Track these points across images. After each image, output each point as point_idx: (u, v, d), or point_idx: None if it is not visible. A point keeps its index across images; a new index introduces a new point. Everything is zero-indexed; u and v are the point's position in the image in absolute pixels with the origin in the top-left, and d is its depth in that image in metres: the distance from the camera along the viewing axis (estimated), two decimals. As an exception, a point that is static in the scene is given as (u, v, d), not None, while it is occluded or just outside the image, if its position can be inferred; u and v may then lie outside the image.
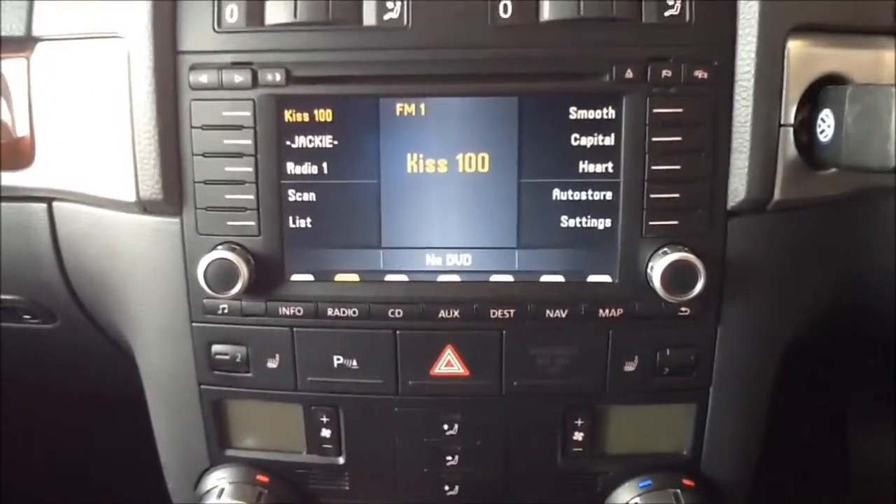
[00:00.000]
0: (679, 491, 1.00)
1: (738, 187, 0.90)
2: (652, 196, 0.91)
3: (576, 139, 0.91)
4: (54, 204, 1.03)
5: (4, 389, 1.38)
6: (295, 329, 0.97)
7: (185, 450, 1.07)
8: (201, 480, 1.08)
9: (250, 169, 0.92)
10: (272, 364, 0.99)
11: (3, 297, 1.12)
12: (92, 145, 0.96)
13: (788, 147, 0.89)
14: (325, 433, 1.03)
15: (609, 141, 0.90)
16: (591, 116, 0.90)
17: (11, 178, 1.01)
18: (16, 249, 1.06)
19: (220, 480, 1.06)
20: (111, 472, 1.64)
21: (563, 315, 0.94)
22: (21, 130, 1.00)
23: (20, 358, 1.29)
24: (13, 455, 1.54)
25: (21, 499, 1.59)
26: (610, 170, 0.91)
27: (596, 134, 0.90)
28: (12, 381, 1.34)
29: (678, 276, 0.89)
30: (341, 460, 1.04)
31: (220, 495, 1.03)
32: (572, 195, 0.92)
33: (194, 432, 1.05)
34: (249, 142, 0.92)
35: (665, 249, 0.91)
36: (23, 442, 1.57)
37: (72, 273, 1.07)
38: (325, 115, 0.92)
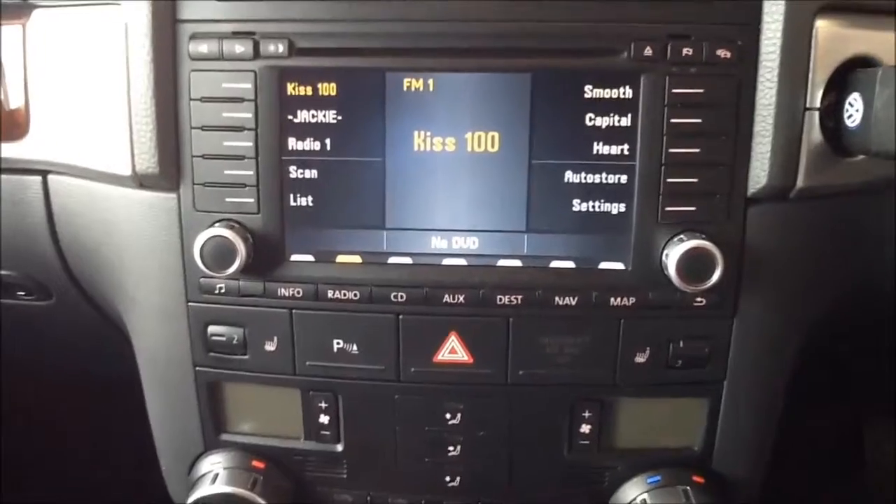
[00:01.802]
0: (689, 488, 0.97)
1: (759, 173, 0.87)
2: (669, 180, 0.87)
3: (590, 119, 0.87)
4: (49, 177, 1.01)
5: (1, 368, 1.36)
6: (294, 311, 0.95)
7: (179, 433, 1.05)
8: (195, 464, 1.06)
9: (250, 144, 0.90)
10: (270, 347, 0.96)
11: None
12: (88, 116, 0.94)
13: (814, 132, 0.86)
14: (324, 419, 1.00)
15: (625, 122, 0.87)
16: (607, 95, 0.87)
17: (5, 150, 1.00)
18: (10, 223, 1.04)
19: (214, 465, 1.03)
20: (108, 451, 1.63)
21: (573, 303, 0.91)
22: (15, 100, 0.98)
23: (16, 335, 1.28)
24: (9, 431, 1.53)
25: (17, 473, 1.58)
26: (626, 152, 0.88)
27: (612, 114, 0.87)
28: (8, 358, 1.32)
29: (694, 265, 0.86)
30: (339, 448, 1.02)
31: (214, 481, 1.01)
32: (585, 178, 0.89)
33: (189, 415, 1.03)
34: (250, 115, 0.89)
35: (681, 236, 0.88)
36: (18, 418, 1.55)
37: (66, 248, 1.05)
38: (329, 88, 0.89)
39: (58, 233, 1.03)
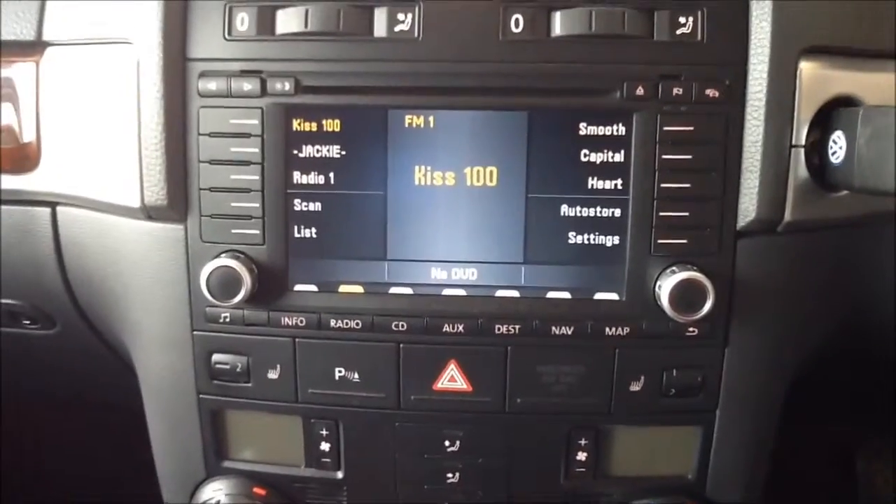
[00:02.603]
0: (683, 515, 0.98)
1: (748, 207, 0.89)
2: (661, 214, 0.90)
3: (585, 155, 0.90)
4: (58, 208, 1.02)
5: (3, 394, 1.36)
6: (297, 340, 0.96)
7: (181, 459, 1.06)
8: (197, 491, 1.06)
9: (256, 177, 0.92)
10: (273, 375, 0.97)
11: (3, 301, 1.11)
12: (98, 150, 0.96)
13: (800, 168, 0.88)
14: (325, 447, 1.01)
15: (619, 157, 0.90)
16: (600, 133, 0.89)
17: (16, 182, 1.01)
18: (18, 253, 1.05)
19: (216, 492, 1.04)
20: (109, 478, 1.62)
21: (569, 332, 0.93)
22: (27, 134, 0.99)
23: (19, 363, 1.27)
24: (11, 459, 1.52)
25: (18, 499, 1.57)
26: (619, 186, 0.90)
27: (605, 150, 0.90)
28: (11, 386, 1.32)
29: (686, 296, 0.87)
30: (340, 475, 1.03)
31: (215, 507, 1.02)
32: (580, 211, 0.91)
33: (191, 442, 1.04)
34: (257, 150, 0.91)
35: (673, 268, 0.90)
36: (21, 446, 1.54)
37: (73, 278, 1.06)
38: (333, 125, 0.91)
39: (65, 263, 1.04)
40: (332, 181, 0.92)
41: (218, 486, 1.05)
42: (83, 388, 1.36)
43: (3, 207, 1.03)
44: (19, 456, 1.56)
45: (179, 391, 1.01)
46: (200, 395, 1.01)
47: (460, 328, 0.93)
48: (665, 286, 0.88)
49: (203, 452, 1.04)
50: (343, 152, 0.91)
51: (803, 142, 0.88)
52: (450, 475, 1.01)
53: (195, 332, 0.98)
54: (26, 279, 1.07)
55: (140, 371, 1.07)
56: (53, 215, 1.02)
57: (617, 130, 0.89)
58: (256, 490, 1.04)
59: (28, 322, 1.16)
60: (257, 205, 0.92)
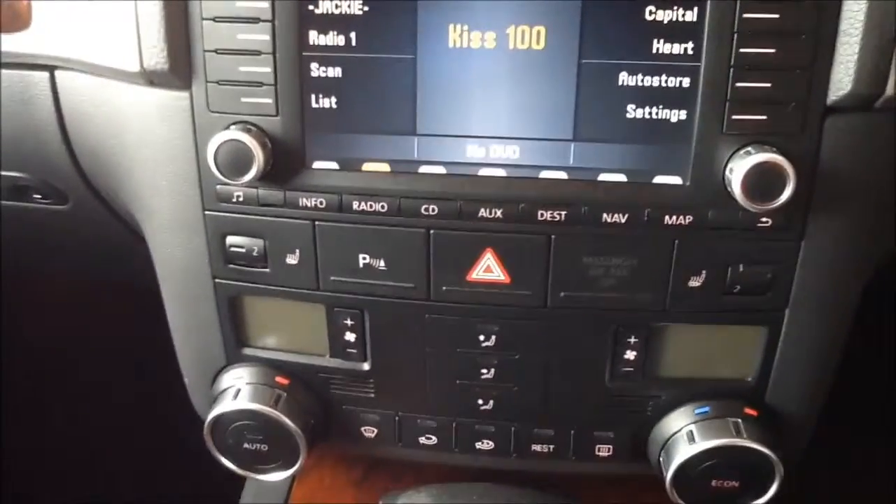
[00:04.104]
0: (740, 421, 0.90)
1: (842, 78, 0.76)
2: (738, 85, 0.77)
3: (650, 13, 0.77)
4: (57, 73, 0.94)
5: (21, 272, 1.33)
6: (317, 223, 0.88)
7: (200, 346, 1.01)
8: (218, 378, 1.02)
9: (267, 37, 0.81)
10: (292, 260, 0.90)
11: (9, 173, 1.06)
12: (92, 6, 0.86)
13: None
14: (350, 337, 0.95)
15: (690, 16, 0.77)
16: None
17: (7, 42, 0.93)
18: (19, 122, 0.98)
19: (237, 380, 0.99)
20: (131, 363, 1.61)
21: (623, 220, 0.83)
22: None
23: (35, 240, 1.24)
24: (26, 341, 1.51)
25: (34, 382, 1.57)
26: (689, 51, 0.78)
27: (675, 7, 0.77)
28: (28, 265, 1.29)
29: (763, 181, 0.76)
30: (366, 366, 0.97)
31: (236, 396, 0.97)
32: (642, 80, 0.79)
33: (210, 328, 0.99)
34: (266, 4, 0.80)
35: (749, 149, 0.78)
36: (36, 326, 1.53)
37: (79, 150, 0.99)
38: None
39: (69, 133, 0.98)
40: (353, 42, 0.81)
41: (239, 374, 1.00)
42: (102, 268, 1.33)
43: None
44: (38, 340, 1.55)
45: (195, 275, 0.95)
46: (216, 280, 0.95)
47: (498, 213, 0.84)
48: (738, 169, 0.77)
49: (222, 339, 0.99)
50: (366, 8, 0.80)
51: (918, -1, 0.74)
52: (484, 371, 0.95)
53: (207, 213, 0.90)
54: (30, 151, 1.01)
55: (154, 253, 1.01)
56: (52, 80, 0.95)
57: None
58: (279, 379, 0.99)
59: (39, 197, 1.11)
60: (269, 69, 0.82)
